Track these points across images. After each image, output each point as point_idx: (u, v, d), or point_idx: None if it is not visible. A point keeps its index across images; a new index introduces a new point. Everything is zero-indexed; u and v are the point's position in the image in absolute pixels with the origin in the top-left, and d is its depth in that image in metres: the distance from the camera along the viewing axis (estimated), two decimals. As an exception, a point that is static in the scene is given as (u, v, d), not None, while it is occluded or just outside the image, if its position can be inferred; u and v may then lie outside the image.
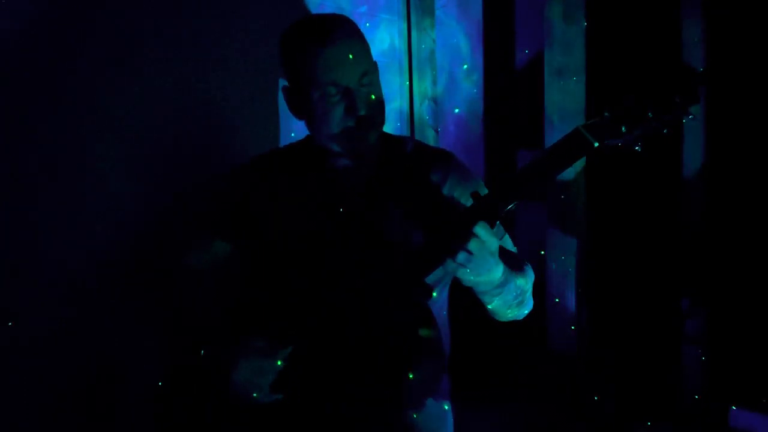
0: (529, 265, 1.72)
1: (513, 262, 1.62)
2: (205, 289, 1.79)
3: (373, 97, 1.64)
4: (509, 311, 1.67)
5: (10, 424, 1.98)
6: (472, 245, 1.39)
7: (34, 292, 2.00)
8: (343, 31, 1.64)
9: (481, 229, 1.39)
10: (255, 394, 1.57)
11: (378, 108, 1.67)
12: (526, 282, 1.66)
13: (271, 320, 1.65)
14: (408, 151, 1.78)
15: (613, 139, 1.39)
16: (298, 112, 1.72)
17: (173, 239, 2.03)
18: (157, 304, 1.97)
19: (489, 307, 1.63)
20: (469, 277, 1.44)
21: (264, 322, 1.66)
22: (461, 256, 1.40)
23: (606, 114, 1.39)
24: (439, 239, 1.44)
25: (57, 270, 2.04)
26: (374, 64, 1.69)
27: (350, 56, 1.61)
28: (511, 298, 1.61)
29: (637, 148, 1.39)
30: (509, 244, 1.77)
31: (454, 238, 1.40)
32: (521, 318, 1.74)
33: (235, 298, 1.80)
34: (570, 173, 2.57)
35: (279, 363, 1.57)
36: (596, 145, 1.39)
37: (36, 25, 1.98)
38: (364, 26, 2.79)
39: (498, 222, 1.53)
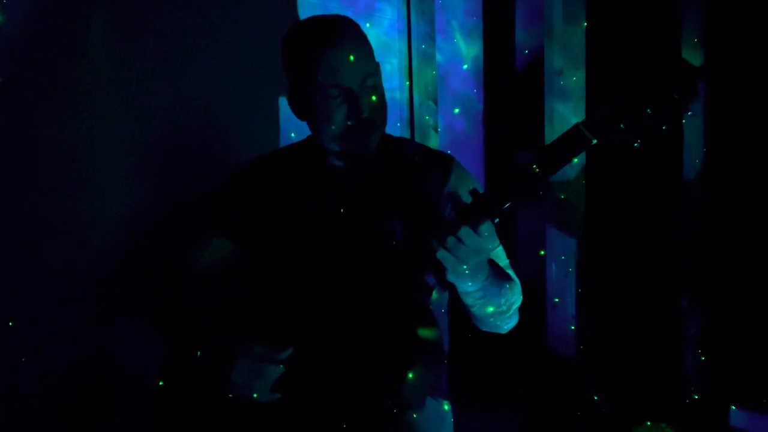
0: (518, 282, 1.72)
1: (500, 274, 1.63)
2: (206, 289, 1.79)
3: (375, 98, 1.64)
4: (491, 320, 1.68)
5: (10, 424, 1.98)
6: (459, 251, 1.40)
7: (34, 293, 2.00)
8: (346, 32, 1.64)
9: (465, 235, 1.40)
10: (255, 395, 1.57)
11: (380, 110, 1.67)
12: (512, 295, 1.67)
13: (272, 319, 1.66)
14: (408, 153, 1.79)
15: (611, 136, 1.40)
16: (300, 113, 1.72)
17: (174, 239, 2.04)
18: (157, 304, 1.97)
19: (470, 312, 1.64)
20: (461, 269, 1.44)
21: (264, 321, 1.66)
22: (450, 241, 1.41)
23: (605, 110, 1.39)
24: (434, 236, 1.45)
25: (57, 270, 2.04)
26: (377, 66, 1.69)
27: (353, 58, 1.61)
28: (494, 307, 1.62)
29: (635, 144, 1.40)
30: (502, 256, 1.77)
31: (447, 226, 1.41)
32: (505, 331, 1.75)
33: (236, 297, 1.80)
34: (570, 173, 2.58)
35: (279, 366, 1.57)
36: (594, 141, 1.39)
37: (36, 24, 1.98)
38: (364, 26, 2.79)
39: (493, 232, 1.53)
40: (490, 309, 1.62)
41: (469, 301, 1.58)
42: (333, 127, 1.63)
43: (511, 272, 1.77)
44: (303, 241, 1.71)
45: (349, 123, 1.62)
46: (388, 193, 1.72)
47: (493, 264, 1.57)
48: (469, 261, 1.41)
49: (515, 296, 1.70)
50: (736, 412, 2.41)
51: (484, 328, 1.73)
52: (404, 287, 1.58)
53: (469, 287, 1.52)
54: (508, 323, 1.73)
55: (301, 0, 2.57)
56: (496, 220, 1.44)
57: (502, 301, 1.62)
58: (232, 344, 1.59)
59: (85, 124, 2.08)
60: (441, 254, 1.43)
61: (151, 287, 2.04)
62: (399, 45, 2.94)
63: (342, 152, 1.67)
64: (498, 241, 1.74)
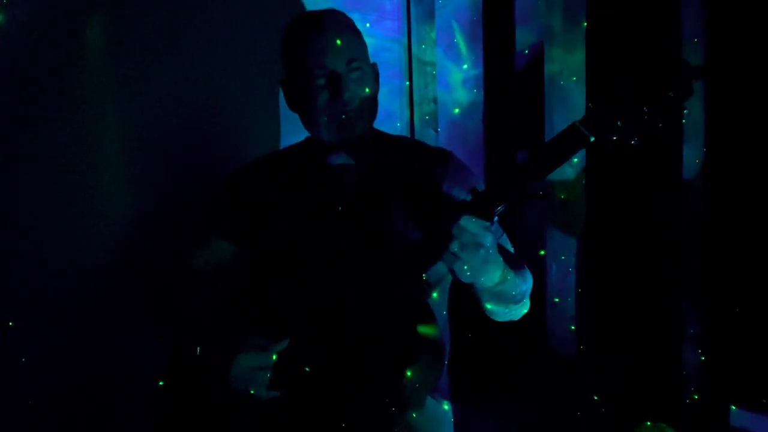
0: (527, 267, 1.72)
1: (513, 264, 1.62)
2: (205, 289, 1.79)
3: (361, 85, 1.66)
4: (506, 311, 1.67)
5: (11, 424, 1.98)
6: (464, 235, 1.39)
7: (34, 292, 2.00)
8: (334, 20, 1.68)
9: (470, 219, 1.39)
10: (252, 391, 1.58)
11: (366, 99, 1.68)
12: (524, 282, 1.67)
13: (272, 319, 1.66)
14: (407, 150, 1.80)
15: (609, 134, 1.40)
16: (292, 103, 1.75)
17: (174, 240, 2.04)
18: (157, 304, 1.98)
19: (486, 306, 1.63)
20: (465, 272, 1.43)
21: (264, 321, 1.66)
22: (454, 246, 1.40)
23: (602, 109, 1.40)
24: (434, 234, 1.45)
25: (57, 270, 2.05)
26: (370, 62, 1.71)
27: (338, 41, 1.64)
28: (509, 299, 1.62)
29: (633, 142, 1.40)
30: (507, 245, 1.77)
31: (447, 229, 1.40)
32: (517, 319, 1.75)
33: (236, 296, 1.80)
34: (570, 173, 2.57)
35: (275, 358, 1.58)
36: (592, 139, 1.40)
37: (36, 24, 1.98)
38: (365, 26, 2.79)
39: (497, 222, 1.53)
40: (504, 303, 1.62)
41: (486, 296, 1.58)
42: (318, 111, 1.65)
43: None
44: (303, 240, 1.72)
45: (333, 106, 1.64)
46: (388, 190, 1.72)
47: (505, 255, 1.57)
48: (467, 259, 1.41)
49: (528, 283, 1.70)
50: (736, 412, 2.41)
51: (498, 319, 1.73)
52: (405, 286, 1.58)
53: (486, 284, 1.51)
54: (520, 311, 1.73)
55: (303, 0, 2.57)
56: (495, 219, 1.44)
57: (516, 293, 1.62)
58: (231, 340, 1.60)
59: (84, 124, 2.08)
60: (446, 257, 1.43)
61: (151, 287, 2.04)
62: (399, 45, 2.94)
63: (330, 141, 1.69)
64: (501, 233, 1.75)
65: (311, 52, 1.64)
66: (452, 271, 1.44)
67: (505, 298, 1.61)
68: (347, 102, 1.64)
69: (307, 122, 1.72)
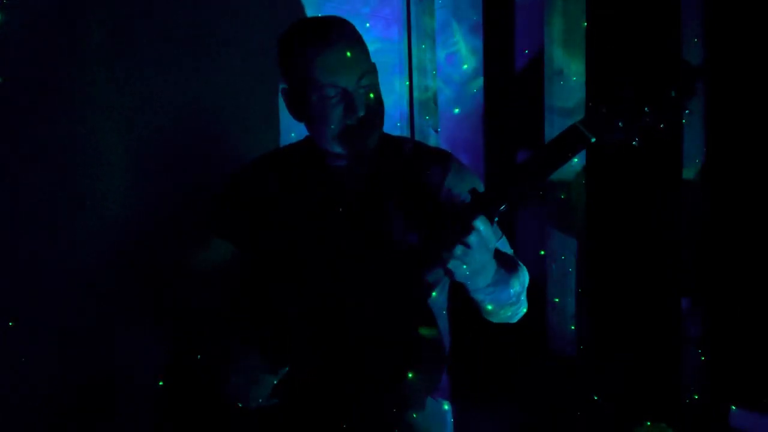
0: (524, 268, 1.72)
1: (507, 264, 1.62)
2: (206, 289, 1.79)
3: (372, 97, 1.65)
4: (502, 312, 1.67)
5: (11, 424, 1.98)
6: (472, 238, 1.38)
7: (34, 292, 2.00)
8: (341, 32, 1.65)
9: (480, 223, 1.39)
10: (252, 401, 1.58)
11: (377, 109, 1.67)
12: (520, 284, 1.66)
13: (272, 320, 1.66)
14: (407, 151, 1.79)
15: (609, 134, 1.40)
16: (297, 114, 1.73)
17: (175, 240, 2.04)
18: (158, 304, 1.97)
19: (482, 307, 1.63)
20: (464, 273, 1.43)
21: (264, 321, 1.66)
22: (458, 249, 1.40)
23: (603, 109, 1.39)
24: (436, 236, 1.44)
25: (58, 270, 2.04)
26: (373, 66, 1.70)
27: (348, 58, 1.61)
28: (504, 299, 1.61)
29: (634, 142, 1.40)
30: (506, 246, 1.77)
31: (453, 231, 1.40)
32: (515, 320, 1.74)
33: (237, 297, 1.80)
34: (570, 173, 2.57)
35: (276, 376, 1.57)
36: (593, 140, 1.40)
37: (37, 24, 1.98)
38: (365, 27, 2.80)
39: (496, 223, 1.53)
40: (499, 304, 1.61)
41: (479, 296, 1.57)
42: (330, 127, 1.63)
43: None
44: (303, 241, 1.71)
45: (346, 122, 1.62)
46: (388, 191, 1.72)
47: (501, 256, 1.57)
48: (470, 262, 1.41)
49: (523, 285, 1.70)
50: (736, 412, 2.41)
51: (495, 320, 1.72)
52: (405, 286, 1.58)
53: (479, 284, 1.52)
54: (517, 313, 1.73)
55: (303, 0, 2.57)
56: (496, 219, 1.44)
57: (512, 292, 1.62)
58: (230, 353, 1.59)
59: (84, 125, 2.08)
60: (447, 257, 1.43)
61: (151, 287, 2.04)
62: (399, 45, 2.94)
63: (341, 152, 1.67)
64: (500, 234, 1.75)
65: (321, 70, 1.61)
66: (448, 271, 1.44)
67: (499, 299, 1.61)
68: (361, 117, 1.63)
69: (317, 134, 1.69)
